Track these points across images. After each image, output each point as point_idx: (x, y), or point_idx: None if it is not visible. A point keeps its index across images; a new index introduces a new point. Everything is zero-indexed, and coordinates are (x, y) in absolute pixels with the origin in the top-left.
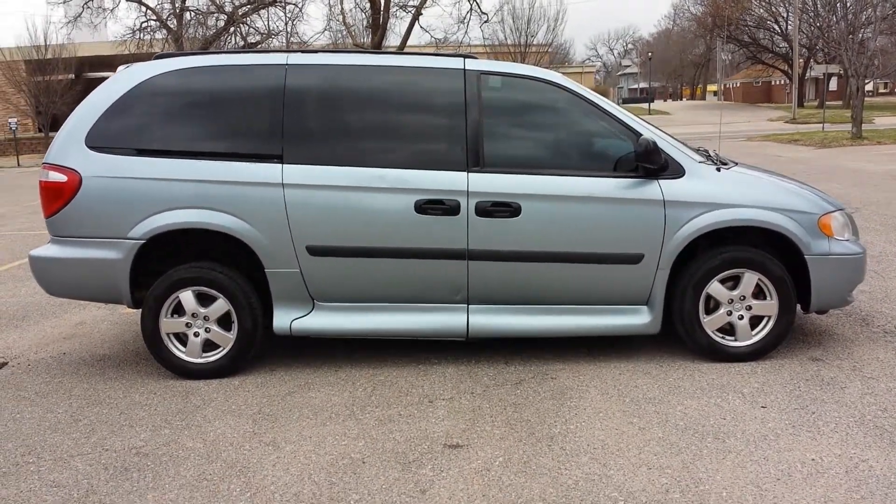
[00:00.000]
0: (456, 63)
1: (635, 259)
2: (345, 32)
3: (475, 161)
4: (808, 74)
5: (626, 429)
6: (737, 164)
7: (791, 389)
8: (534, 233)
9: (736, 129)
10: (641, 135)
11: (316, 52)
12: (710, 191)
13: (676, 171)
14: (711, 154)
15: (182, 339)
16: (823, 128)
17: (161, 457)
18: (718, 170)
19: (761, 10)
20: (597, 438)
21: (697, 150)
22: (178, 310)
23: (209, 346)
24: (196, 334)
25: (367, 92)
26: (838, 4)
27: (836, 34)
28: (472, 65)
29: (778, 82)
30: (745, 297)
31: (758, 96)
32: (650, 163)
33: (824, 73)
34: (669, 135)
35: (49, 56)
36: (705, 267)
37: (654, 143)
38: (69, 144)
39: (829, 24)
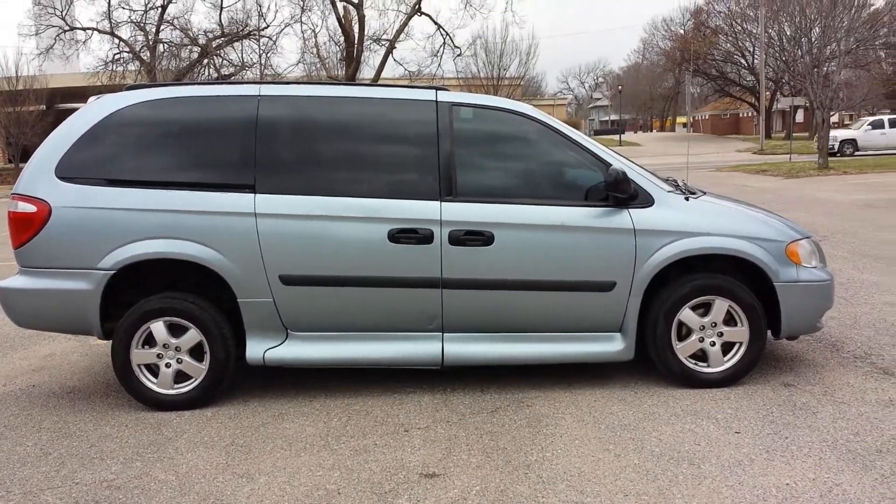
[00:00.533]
0: (428, 95)
1: (607, 287)
2: (319, 65)
3: (448, 190)
4: (774, 107)
5: (602, 456)
6: (705, 193)
7: (764, 415)
8: (507, 261)
9: (705, 160)
10: (611, 165)
11: (288, 83)
12: (680, 219)
13: (646, 201)
14: (680, 184)
15: (153, 370)
16: (791, 158)
17: (132, 490)
18: (687, 199)
19: (728, 45)
20: (573, 466)
21: (666, 180)
22: (149, 341)
23: (181, 377)
24: (168, 365)
25: (339, 122)
26: (803, 39)
27: (801, 68)
28: (443, 96)
29: (746, 114)
30: (716, 324)
31: (726, 128)
32: (620, 192)
33: (790, 106)
34: (639, 165)
35: (20, 87)
36: (676, 294)
37: (624, 173)
38: (39, 175)
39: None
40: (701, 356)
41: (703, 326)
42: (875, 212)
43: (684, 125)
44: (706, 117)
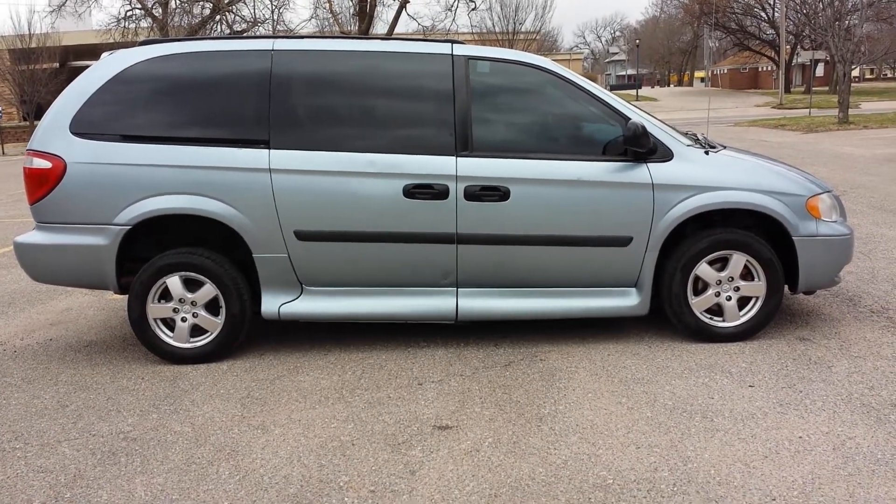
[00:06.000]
0: (444, 48)
1: (624, 242)
2: (331, 20)
3: (464, 146)
4: (794, 61)
5: (615, 409)
6: (724, 147)
7: (779, 369)
8: (522, 216)
9: (723, 115)
10: (630, 119)
11: (302, 37)
12: (699, 174)
13: (665, 155)
14: (699, 138)
15: (169, 324)
16: (810, 113)
17: (149, 441)
18: (706, 153)
19: None
20: (586, 419)
21: (685, 134)
22: (166, 295)
23: (197, 331)
24: (184, 319)
25: (354, 77)
26: None
27: (822, 21)
28: (459, 50)
29: (765, 69)
30: (733, 279)
31: (745, 82)
32: (639, 146)
33: (811, 60)
34: (658, 119)
35: (33, 45)
36: (694, 249)
37: (643, 127)
38: (53, 131)
39: (815, 11)
40: (716, 311)
41: (720, 281)
42: (894, 167)
43: (702, 80)
44: (724, 72)
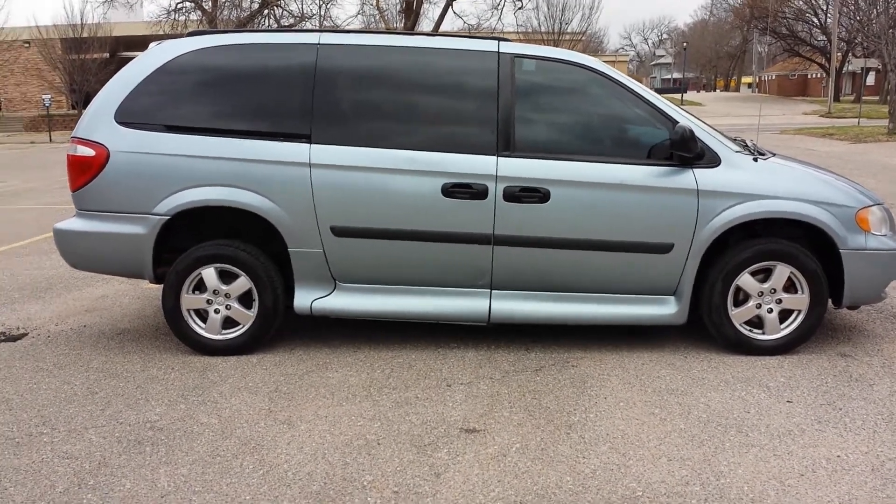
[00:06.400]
0: (490, 45)
1: (665, 248)
2: (378, 17)
3: (505, 145)
4: (845, 68)
5: (647, 419)
6: (774, 154)
7: (818, 385)
8: (562, 219)
9: (770, 122)
10: (678, 122)
11: (348, 31)
12: (746, 181)
13: (712, 161)
14: (748, 144)
15: (202, 315)
16: (859, 122)
17: (175, 432)
18: (755, 160)
19: (800, 2)
20: (617, 428)
21: (734, 140)
22: (200, 286)
23: (229, 323)
24: (216, 311)
25: (397, 73)
26: None
27: (875, 28)
28: (505, 47)
29: (814, 76)
30: (775, 290)
31: (793, 89)
32: (686, 151)
33: (862, 68)
34: (706, 123)
35: (85, 35)
36: (737, 258)
37: (691, 131)
38: (98, 119)
39: (869, 17)
40: (756, 323)
41: (762, 292)
42: None
43: (749, 86)
44: (772, 78)
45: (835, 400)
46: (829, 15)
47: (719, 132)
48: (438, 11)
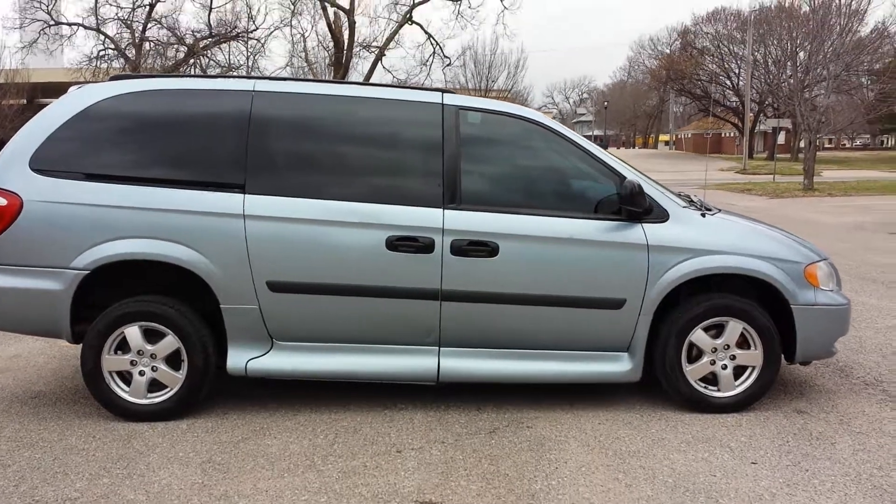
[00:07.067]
0: (434, 97)
1: (617, 304)
2: (307, 69)
3: (451, 198)
4: (757, 128)
5: (612, 486)
6: (720, 210)
7: (780, 444)
8: (511, 274)
9: (689, 178)
10: (626, 177)
11: (285, 79)
12: (696, 236)
13: (661, 216)
14: (694, 200)
15: (126, 377)
16: (774, 178)
17: None
18: (703, 215)
19: (714, 66)
20: (582, 497)
21: (679, 195)
22: (123, 346)
23: (155, 386)
24: (141, 373)
25: (338, 122)
26: (788, 63)
27: (786, 91)
28: (450, 99)
29: (728, 134)
30: (728, 346)
31: (708, 147)
32: (635, 206)
33: (774, 127)
34: (653, 179)
35: (1, 80)
36: (690, 314)
37: (640, 186)
38: (12, 166)
39: (779, 80)
40: (711, 379)
41: (716, 349)
42: (865, 234)
43: (666, 143)
44: (689, 136)
45: (800, 460)
46: (741, 78)
47: (665, 187)
48: (367, 65)
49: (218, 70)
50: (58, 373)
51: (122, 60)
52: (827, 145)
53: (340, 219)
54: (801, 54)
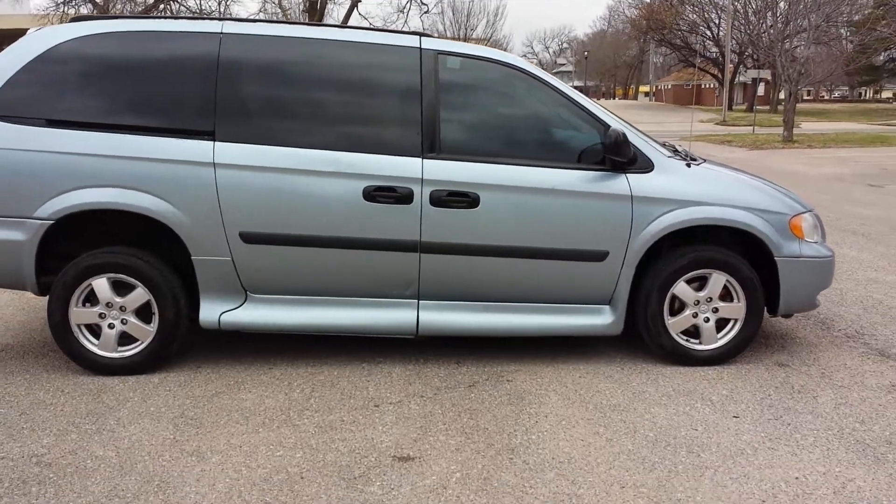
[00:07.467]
0: (411, 41)
1: (599, 256)
2: (280, 15)
3: (430, 147)
4: (737, 79)
5: (593, 440)
6: (705, 160)
7: (762, 398)
8: (492, 225)
9: (668, 129)
10: (610, 126)
11: (255, 21)
12: (681, 187)
13: (645, 166)
14: (679, 150)
15: (95, 330)
16: (754, 130)
17: (66, 467)
18: (689, 166)
19: (694, 16)
20: (562, 451)
21: (664, 145)
22: (91, 298)
23: (125, 339)
24: (111, 326)
25: (312, 67)
26: (768, 13)
27: (766, 41)
28: (428, 43)
29: (707, 86)
30: (711, 299)
31: (688, 98)
32: (619, 155)
33: (753, 79)
34: (637, 128)
35: None
36: (673, 266)
37: (624, 135)
38: None
39: (759, 31)
40: (693, 332)
41: (698, 301)
42: (845, 186)
43: (646, 94)
44: (669, 87)
45: (781, 414)
46: (721, 28)
47: (650, 137)
48: (343, 12)
49: (189, 15)
50: (26, 325)
51: (90, 6)
52: (806, 97)
53: (315, 168)
54: (782, 4)
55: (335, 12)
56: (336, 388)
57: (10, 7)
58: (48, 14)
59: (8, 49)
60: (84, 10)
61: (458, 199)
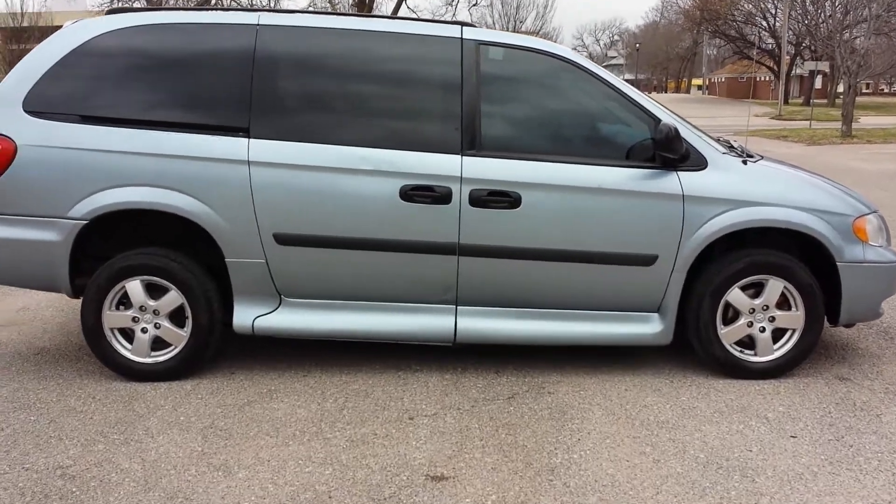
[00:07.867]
0: (452, 31)
1: (648, 260)
2: (329, 8)
3: (470, 143)
4: (793, 71)
5: (639, 460)
6: (762, 157)
7: (821, 416)
8: (534, 227)
9: (722, 124)
10: (661, 120)
11: (292, 12)
12: (736, 186)
13: (698, 163)
14: (735, 145)
15: (128, 334)
16: (811, 125)
17: (89, 481)
18: (745, 163)
19: (750, 6)
20: (605, 472)
21: (718, 140)
22: (125, 301)
23: (159, 343)
24: (144, 330)
25: (349, 60)
26: (827, 3)
27: (824, 31)
28: (470, 33)
29: (763, 78)
30: (767, 307)
31: (742, 92)
32: (670, 152)
33: (812, 71)
34: (690, 123)
35: (24, 24)
36: (728, 271)
37: (676, 130)
38: (3, 108)
39: (817, 21)
40: (747, 343)
41: (753, 309)
42: None
43: (699, 87)
44: (722, 80)
45: (843, 434)
46: (777, 18)
47: (703, 132)
48: (392, 5)
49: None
50: (64, 327)
51: (144, 2)
52: (864, 90)
53: (351, 166)
54: None
55: (384, 6)
56: (370, 398)
57: (66, 4)
58: (103, 9)
59: (44, 43)
60: (138, 6)
61: (498, 198)
